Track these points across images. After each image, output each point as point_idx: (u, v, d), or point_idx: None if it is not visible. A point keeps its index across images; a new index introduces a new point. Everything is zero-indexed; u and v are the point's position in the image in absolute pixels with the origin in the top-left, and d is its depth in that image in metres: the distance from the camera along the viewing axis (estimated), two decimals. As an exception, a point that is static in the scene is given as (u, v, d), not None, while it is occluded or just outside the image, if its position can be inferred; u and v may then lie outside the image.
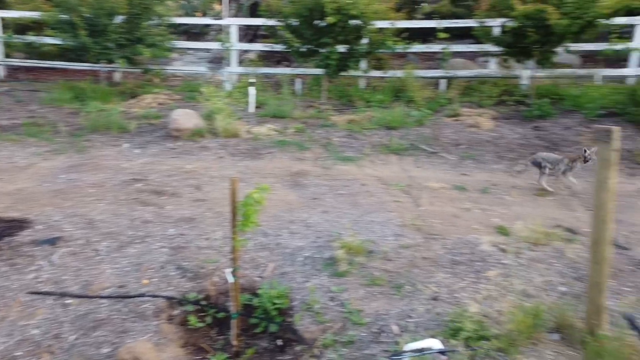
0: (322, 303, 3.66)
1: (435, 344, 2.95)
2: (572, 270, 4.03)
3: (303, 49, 8.92)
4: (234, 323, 3.19)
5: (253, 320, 3.47)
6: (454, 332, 3.21)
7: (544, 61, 8.31)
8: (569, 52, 8.63)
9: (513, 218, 5.04)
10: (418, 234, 4.71)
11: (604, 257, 3.07)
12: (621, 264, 4.06)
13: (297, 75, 10.09)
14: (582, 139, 7.18)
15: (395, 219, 5.05)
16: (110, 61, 9.73)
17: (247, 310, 3.54)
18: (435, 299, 3.68)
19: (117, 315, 3.50)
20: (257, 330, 3.44)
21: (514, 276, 3.91)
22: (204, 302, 3.66)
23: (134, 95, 9.70)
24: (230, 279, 3.10)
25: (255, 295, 3.66)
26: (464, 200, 5.61)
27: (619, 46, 8.84)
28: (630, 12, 8.25)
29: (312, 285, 3.86)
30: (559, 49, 8.26)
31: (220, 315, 3.53)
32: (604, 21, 7.80)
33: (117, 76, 10.72)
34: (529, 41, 7.87)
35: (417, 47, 9.73)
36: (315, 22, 8.56)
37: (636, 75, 8.90)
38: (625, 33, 9.19)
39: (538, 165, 5.85)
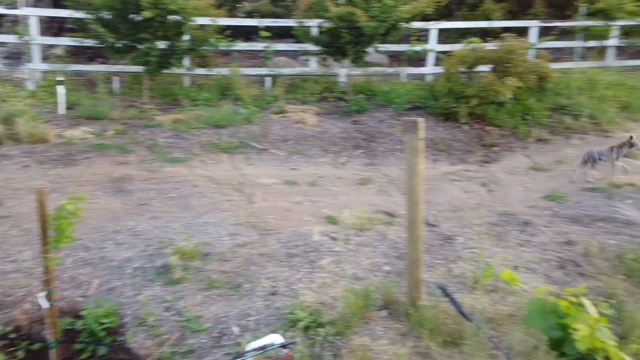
0: (157, 315, 3.44)
1: (277, 338, 2.98)
2: (394, 250, 4.43)
3: (119, 45, 8.26)
4: (53, 353, 2.82)
5: (78, 346, 3.12)
6: (293, 324, 3.29)
7: (358, 60, 8.97)
8: (378, 52, 9.46)
9: (340, 207, 5.36)
10: (253, 231, 4.72)
11: (418, 235, 3.42)
12: (432, 240, 4.59)
13: (114, 73, 9.32)
14: (394, 131, 7.94)
15: (230, 218, 4.99)
16: None
17: (70, 335, 3.16)
18: (273, 293, 3.73)
19: None
20: (84, 355, 3.10)
21: (344, 262, 4.16)
22: (13, 335, 3.17)
23: None
24: (45, 304, 2.72)
25: (79, 317, 3.29)
26: (295, 194, 5.78)
27: (418, 47, 10.02)
28: (426, 18, 9.35)
29: (145, 297, 3.61)
30: (370, 49, 9.01)
31: (36, 346, 3.10)
32: (405, 25, 8.72)
33: None
34: (343, 41, 8.42)
35: (241, 45, 9.75)
36: (131, 16, 7.98)
37: (433, 73, 10.14)
38: (423, 36, 10.42)
39: (594, 159, 6.27)
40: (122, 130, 7.35)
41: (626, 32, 11.17)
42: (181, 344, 3.20)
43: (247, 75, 9.52)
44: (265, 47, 9.67)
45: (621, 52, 11.33)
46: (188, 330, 3.31)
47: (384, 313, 3.49)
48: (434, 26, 10.11)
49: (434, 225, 4.95)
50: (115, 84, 9.16)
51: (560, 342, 2.39)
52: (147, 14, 7.57)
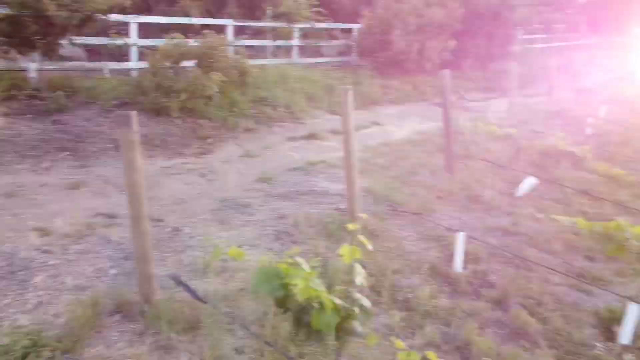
0: None
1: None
2: (119, 251, 4.23)
3: None
4: None
5: None
6: (5, 354, 2.84)
7: (50, 53, 8.04)
8: (74, 45, 8.64)
9: (51, 216, 4.79)
10: None
11: (144, 231, 3.38)
12: (159, 234, 4.55)
13: None
14: (105, 129, 7.45)
15: None
16: None
17: None
18: (-25, 328, 3.13)
19: None
20: None
21: (64, 274, 3.78)
22: None
23: None
24: None
25: None
26: (-13, 209, 4.89)
27: (119, 41, 9.59)
28: (124, 11, 8.96)
29: None
30: (64, 42, 8.17)
31: None
32: (102, 16, 8.18)
33: None
34: (29, 32, 7.39)
35: None
36: None
37: (138, 68, 9.83)
38: (123, 30, 9.98)
39: None
40: None
41: (305, 34, 13.06)
42: None
43: None
44: None
45: (303, 51, 13.20)
46: None
47: (117, 317, 3.33)
48: (134, 20, 9.82)
49: (159, 220, 4.90)
50: None
51: (284, 299, 2.75)
52: None
